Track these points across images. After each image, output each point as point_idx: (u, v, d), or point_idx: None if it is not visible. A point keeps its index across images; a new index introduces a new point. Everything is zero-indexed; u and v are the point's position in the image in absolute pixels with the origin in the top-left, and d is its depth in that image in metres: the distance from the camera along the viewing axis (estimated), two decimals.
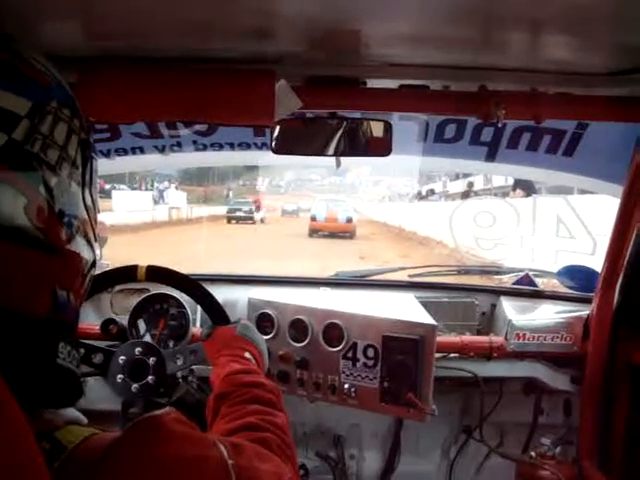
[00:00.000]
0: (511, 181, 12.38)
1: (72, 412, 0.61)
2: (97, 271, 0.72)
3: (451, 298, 2.16)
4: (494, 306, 2.17)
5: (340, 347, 1.69)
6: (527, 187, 9.73)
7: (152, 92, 1.28)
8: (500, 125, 1.42)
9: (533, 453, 1.94)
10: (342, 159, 1.64)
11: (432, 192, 23.13)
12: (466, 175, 17.62)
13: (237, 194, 28.21)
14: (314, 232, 18.60)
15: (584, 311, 1.94)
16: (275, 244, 15.04)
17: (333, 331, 1.70)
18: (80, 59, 1.22)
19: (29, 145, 0.57)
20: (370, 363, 1.66)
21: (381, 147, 1.57)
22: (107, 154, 1.97)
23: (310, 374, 1.74)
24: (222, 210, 23.98)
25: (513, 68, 1.35)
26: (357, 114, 1.57)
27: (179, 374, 1.43)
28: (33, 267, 0.57)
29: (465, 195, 17.65)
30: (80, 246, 0.64)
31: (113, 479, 0.52)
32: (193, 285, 1.49)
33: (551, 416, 2.08)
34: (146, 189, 22.61)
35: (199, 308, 1.81)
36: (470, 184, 18.60)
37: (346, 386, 1.69)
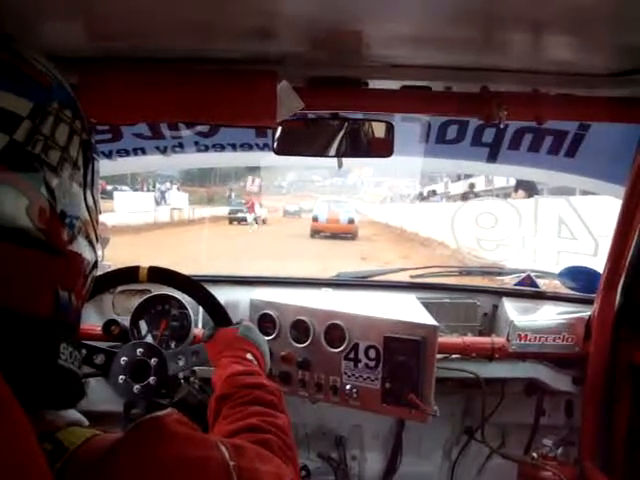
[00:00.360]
0: (513, 182, 12.38)
1: (73, 413, 0.61)
2: (99, 272, 0.72)
3: (453, 299, 2.16)
4: (496, 307, 2.17)
5: (342, 348, 1.69)
6: (529, 188, 9.72)
7: (154, 93, 1.28)
8: (502, 126, 1.42)
9: (535, 454, 1.94)
10: (344, 160, 1.64)
11: (434, 193, 23.10)
12: (468, 176, 17.59)
13: (239, 195, 28.19)
14: (316, 233, 18.58)
15: (586, 312, 1.94)
16: (277, 245, 15.05)
17: (335, 332, 1.70)
18: (81, 60, 1.22)
19: (30, 146, 0.57)
20: (372, 364, 1.66)
21: (383, 148, 1.57)
22: (109, 155, 1.97)
23: (312, 375, 1.74)
24: (224, 211, 23.98)
25: (515, 69, 1.35)
26: (359, 115, 1.58)
27: (181, 375, 1.43)
28: (35, 268, 0.57)
29: (464, 197, 17.63)
30: (82, 247, 0.64)
31: None
32: (195, 286, 1.49)
33: (553, 417, 2.08)
34: (148, 190, 22.61)
35: (201, 309, 1.82)
36: (472, 185, 18.58)
37: (348, 387, 1.69)
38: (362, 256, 12.88)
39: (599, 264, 1.92)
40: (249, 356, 1.20)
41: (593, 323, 1.88)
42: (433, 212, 17.53)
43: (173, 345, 1.68)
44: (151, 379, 1.34)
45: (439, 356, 1.72)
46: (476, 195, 17.28)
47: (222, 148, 2.06)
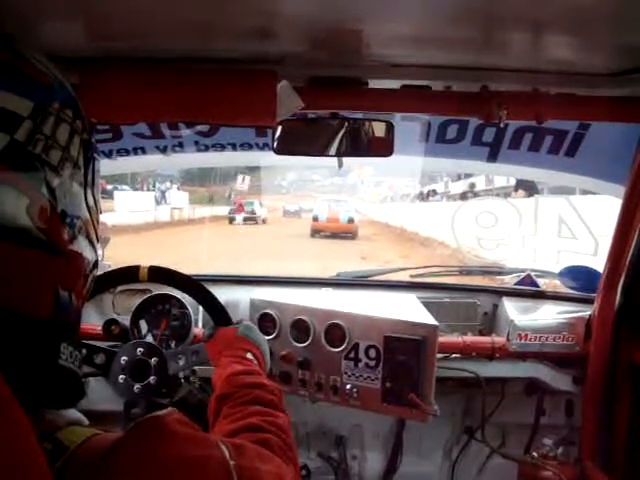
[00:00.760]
0: (513, 181, 12.37)
1: (73, 413, 0.61)
2: (99, 271, 0.72)
3: (453, 298, 2.16)
4: (496, 306, 2.17)
5: (342, 347, 1.69)
6: (529, 187, 9.72)
7: (154, 93, 1.28)
8: (502, 125, 1.42)
9: (535, 454, 1.94)
10: (344, 159, 1.64)
11: (434, 193, 23.07)
12: (468, 176, 17.58)
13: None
14: (316, 232, 18.56)
15: (586, 311, 1.94)
16: (277, 244, 15.03)
17: (335, 331, 1.70)
18: (82, 60, 1.22)
19: (31, 146, 0.57)
20: (372, 363, 1.66)
21: (383, 147, 1.57)
22: (109, 154, 1.97)
23: (312, 374, 1.74)
24: (224, 211, 23.94)
25: (515, 68, 1.35)
26: (359, 114, 1.58)
27: (181, 375, 1.43)
28: (35, 268, 0.57)
29: (464, 196, 17.61)
30: (82, 247, 0.64)
31: (115, 479, 0.52)
32: (195, 286, 1.49)
33: (553, 416, 2.08)
34: (148, 190, 22.57)
35: (201, 309, 1.82)
36: (472, 185, 18.57)
37: (348, 386, 1.69)
38: (362, 256, 12.87)
39: (599, 263, 1.92)
40: (249, 356, 1.20)
41: (593, 323, 1.88)
42: (433, 212, 17.49)
43: (173, 345, 1.68)
44: (151, 378, 1.34)
45: (439, 356, 1.72)
46: (476, 194, 17.26)
47: (222, 148, 2.06)
